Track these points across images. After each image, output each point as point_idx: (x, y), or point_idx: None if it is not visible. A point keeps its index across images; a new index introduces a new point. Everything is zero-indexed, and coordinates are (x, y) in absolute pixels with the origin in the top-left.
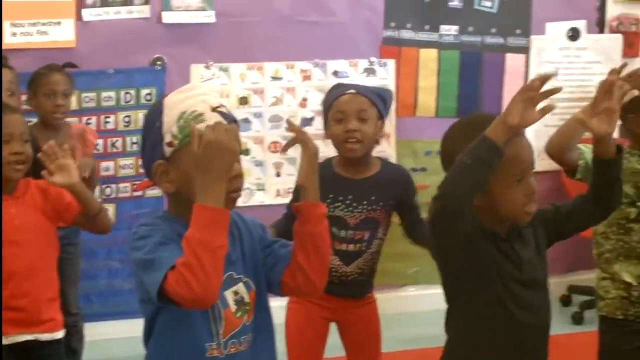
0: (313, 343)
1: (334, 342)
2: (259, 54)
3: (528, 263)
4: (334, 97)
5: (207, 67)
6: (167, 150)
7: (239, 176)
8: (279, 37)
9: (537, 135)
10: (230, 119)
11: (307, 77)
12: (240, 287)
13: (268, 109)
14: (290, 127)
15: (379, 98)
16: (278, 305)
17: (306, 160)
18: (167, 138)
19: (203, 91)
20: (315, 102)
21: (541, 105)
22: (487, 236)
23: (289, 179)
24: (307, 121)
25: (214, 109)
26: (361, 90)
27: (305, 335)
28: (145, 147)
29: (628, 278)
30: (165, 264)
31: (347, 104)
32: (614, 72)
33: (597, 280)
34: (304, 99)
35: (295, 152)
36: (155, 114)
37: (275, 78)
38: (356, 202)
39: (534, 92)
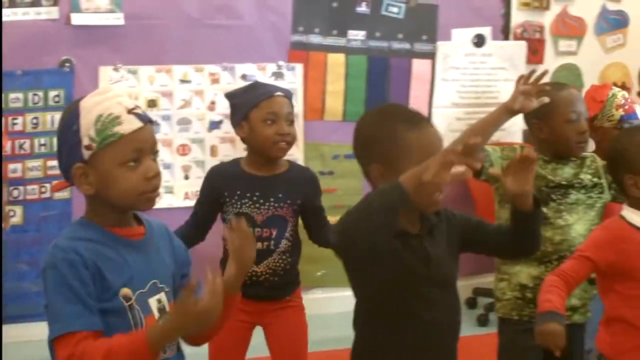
0: (232, 347)
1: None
2: (168, 56)
3: (437, 261)
4: (261, 97)
5: (116, 70)
6: (86, 153)
7: (157, 176)
8: (187, 40)
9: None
10: (146, 119)
11: (215, 81)
12: (163, 296)
13: (176, 111)
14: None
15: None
16: None
17: (238, 273)
18: (85, 141)
19: (118, 93)
20: (224, 106)
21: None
22: (396, 236)
23: (197, 182)
24: (215, 124)
25: (129, 111)
26: (286, 93)
27: (225, 340)
28: (61, 149)
29: (525, 280)
30: (63, 325)
31: (279, 106)
32: (523, 78)
33: (495, 282)
34: (213, 102)
35: (204, 155)
36: (71, 117)
37: (183, 81)
38: (263, 198)
39: (454, 158)
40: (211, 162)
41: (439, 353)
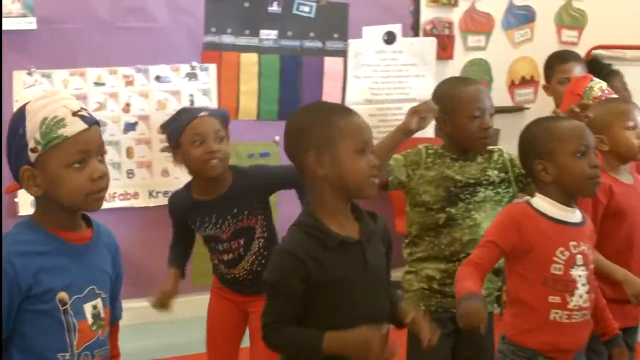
0: (228, 330)
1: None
2: (82, 60)
3: (374, 268)
4: (185, 121)
5: (30, 74)
6: (32, 156)
7: (104, 177)
8: (101, 43)
9: None
10: (91, 122)
11: (129, 83)
12: (99, 302)
13: (91, 114)
14: None
15: (223, 118)
16: None
17: None
18: (31, 144)
19: (64, 96)
20: (138, 107)
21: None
22: (335, 250)
23: (115, 183)
24: (130, 126)
25: (74, 114)
26: (211, 112)
27: (220, 323)
28: (10, 153)
29: (432, 272)
30: None
31: (204, 126)
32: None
33: (404, 274)
34: (127, 104)
35: (120, 156)
36: (18, 120)
37: (98, 84)
38: (221, 219)
39: None
40: (127, 164)
41: None
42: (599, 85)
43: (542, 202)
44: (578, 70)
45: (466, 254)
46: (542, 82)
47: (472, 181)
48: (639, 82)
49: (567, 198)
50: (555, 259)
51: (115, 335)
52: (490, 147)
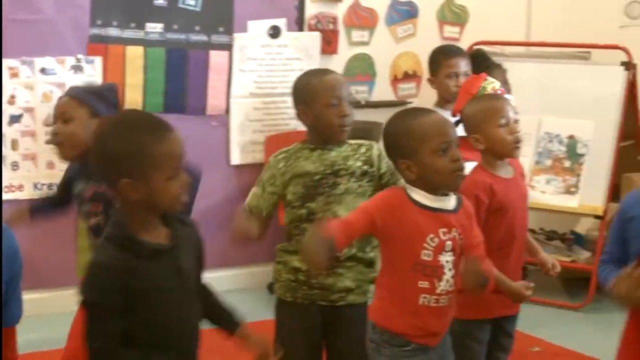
0: None
1: None
2: None
3: (187, 272)
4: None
5: None
6: None
7: None
8: None
9: (242, 128)
10: None
11: (14, 75)
12: None
13: None
14: None
15: (93, 96)
16: None
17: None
18: None
19: None
20: (23, 100)
21: None
22: (148, 258)
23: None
24: (16, 118)
25: None
26: (73, 93)
27: None
28: None
29: (298, 263)
30: None
31: (55, 108)
32: None
33: (274, 265)
34: (12, 96)
35: (5, 149)
36: None
37: None
38: (87, 177)
39: None
40: (12, 156)
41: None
42: (492, 85)
43: (417, 195)
44: (463, 65)
45: None
46: (426, 76)
47: (329, 172)
48: (518, 78)
49: (433, 192)
50: (426, 245)
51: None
52: (360, 142)
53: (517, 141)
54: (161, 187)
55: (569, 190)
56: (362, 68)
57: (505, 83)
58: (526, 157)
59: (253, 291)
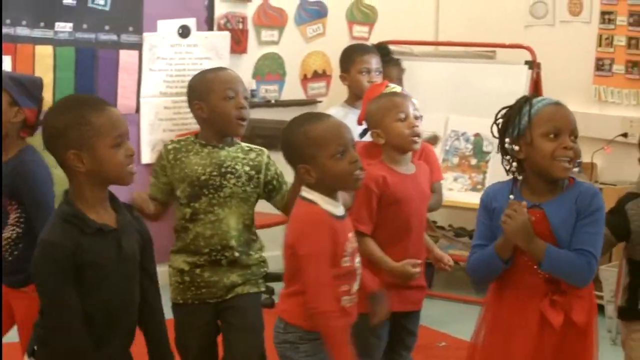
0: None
1: None
2: None
3: (130, 255)
4: None
5: None
6: None
7: None
8: None
9: (152, 127)
10: None
11: None
12: None
13: None
14: None
15: (16, 85)
16: None
17: None
18: None
19: None
20: None
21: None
22: (93, 236)
23: None
24: None
25: None
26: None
27: None
28: None
29: (182, 265)
30: None
31: None
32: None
33: (168, 268)
34: None
35: None
36: None
37: None
38: None
39: None
40: None
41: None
42: (393, 91)
43: (321, 201)
44: (375, 62)
45: (210, 250)
46: (336, 75)
47: (215, 173)
48: (426, 77)
49: (332, 195)
50: (345, 252)
51: None
52: (252, 147)
53: (415, 135)
54: (106, 156)
55: (476, 188)
56: (272, 67)
57: (399, 80)
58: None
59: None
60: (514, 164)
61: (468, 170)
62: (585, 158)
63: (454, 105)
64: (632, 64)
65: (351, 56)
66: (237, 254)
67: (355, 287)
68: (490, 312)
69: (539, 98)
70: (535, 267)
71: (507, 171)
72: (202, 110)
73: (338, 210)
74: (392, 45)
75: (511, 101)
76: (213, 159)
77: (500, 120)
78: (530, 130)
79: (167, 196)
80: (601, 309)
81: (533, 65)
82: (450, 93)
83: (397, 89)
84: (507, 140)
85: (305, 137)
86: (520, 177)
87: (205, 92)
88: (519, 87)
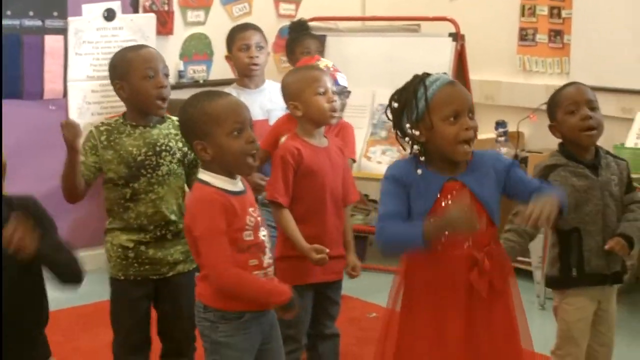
0: None
1: None
2: None
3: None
4: None
5: None
6: None
7: None
8: None
9: (80, 111)
10: None
11: None
12: None
13: None
14: None
15: None
16: None
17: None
18: None
19: None
20: None
21: None
22: None
23: None
24: None
25: None
26: None
27: None
28: None
29: (125, 242)
30: None
31: None
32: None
33: (105, 244)
34: None
35: None
36: None
37: None
38: None
39: None
40: None
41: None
42: (324, 64)
43: (215, 180)
44: (256, 38)
45: (155, 227)
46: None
47: (150, 153)
48: (352, 52)
49: (228, 173)
50: (246, 226)
51: None
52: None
53: (333, 110)
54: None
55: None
56: (199, 47)
57: (319, 54)
58: (362, 129)
59: (95, 273)
60: (416, 147)
61: (396, 143)
62: (512, 127)
63: (380, 79)
64: (555, 33)
65: (232, 36)
66: (180, 225)
67: (267, 260)
68: (413, 285)
69: (432, 78)
70: (462, 242)
71: (410, 153)
72: (123, 89)
73: (236, 186)
74: (319, 21)
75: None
76: (146, 139)
77: (396, 104)
78: (429, 115)
79: (94, 175)
80: (529, 274)
81: (457, 37)
82: (377, 67)
83: (328, 62)
84: (407, 125)
85: (203, 114)
86: (422, 158)
87: (126, 71)
88: (444, 59)
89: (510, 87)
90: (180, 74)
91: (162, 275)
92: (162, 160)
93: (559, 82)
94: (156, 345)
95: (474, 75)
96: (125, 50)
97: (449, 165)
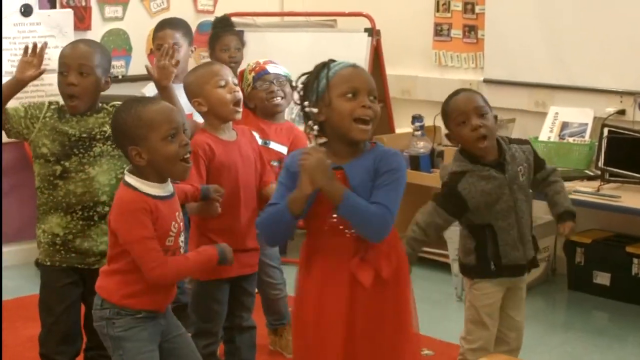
0: None
1: None
2: None
3: None
4: None
5: None
6: None
7: None
8: None
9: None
10: None
11: None
12: None
13: None
14: None
15: None
16: None
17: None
18: None
19: None
20: None
21: None
22: None
23: None
24: None
25: None
26: None
27: None
28: None
29: (55, 229)
30: None
31: None
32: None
33: (37, 229)
34: None
35: None
36: None
37: None
38: None
39: None
40: None
41: None
42: (255, 60)
43: (142, 185)
44: (178, 36)
45: (83, 207)
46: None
47: (85, 135)
48: (270, 48)
49: (161, 178)
50: (170, 232)
51: None
52: (118, 104)
53: (236, 99)
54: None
55: None
56: (118, 43)
57: (238, 50)
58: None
59: (20, 268)
60: (316, 127)
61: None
62: (428, 121)
63: (298, 74)
64: (469, 29)
65: (151, 35)
66: (107, 208)
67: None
68: (302, 277)
69: (337, 62)
70: (342, 228)
71: (310, 135)
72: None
73: (164, 190)
74: (236, 17)
75: None
76: (82, 127)
77: (301, 86)
78: (328, 92)
79: (12, 126)
80: (447, 267)
81: (373, 32)
82: (295, 63)
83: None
84: (306, 103)
85: (138, 119)
86: (321, 141)
87: (58, 65)
88: (360, 54)
89: (426, 81)
90: None
91: (88, 265)
92: (95, 142)
93: (473, 76)
94: None
95: (390, 70)
96: (69, 44)
97: (345, 149)
